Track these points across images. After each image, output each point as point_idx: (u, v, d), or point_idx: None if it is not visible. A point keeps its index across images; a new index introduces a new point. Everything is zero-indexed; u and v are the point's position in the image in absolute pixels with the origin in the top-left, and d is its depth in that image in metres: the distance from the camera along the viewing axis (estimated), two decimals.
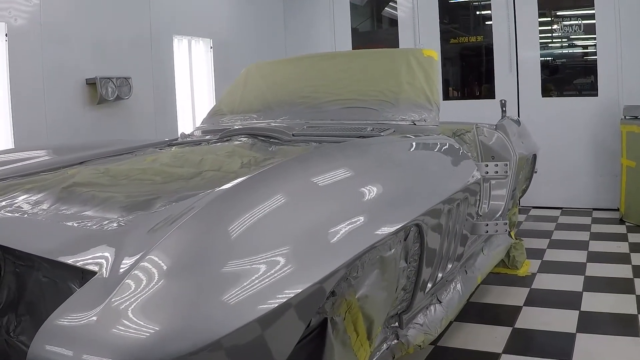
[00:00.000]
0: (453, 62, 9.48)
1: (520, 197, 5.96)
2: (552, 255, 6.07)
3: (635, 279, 5.16)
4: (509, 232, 5.07)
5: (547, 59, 8.61)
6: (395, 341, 2.92)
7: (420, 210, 2.53)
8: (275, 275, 1.67)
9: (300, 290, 1.69)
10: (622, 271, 5.42)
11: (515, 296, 4.87)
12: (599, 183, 8.27)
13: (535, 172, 6.18)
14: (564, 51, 8.74)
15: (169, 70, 7.29)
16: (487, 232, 3.68)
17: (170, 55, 7.32)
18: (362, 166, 2.50)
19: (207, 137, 3.93)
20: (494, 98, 8.31)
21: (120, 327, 1.49)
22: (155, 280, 1.58)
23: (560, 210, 8.30)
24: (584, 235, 6.83)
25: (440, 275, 3.14)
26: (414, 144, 3.22)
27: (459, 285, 3.67)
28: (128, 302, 1.54)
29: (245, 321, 1.56)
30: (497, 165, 3.69)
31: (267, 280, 1.65)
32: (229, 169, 2.84)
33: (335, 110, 3.83)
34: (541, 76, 8.44)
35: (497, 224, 3.68)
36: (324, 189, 2.15)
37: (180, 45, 7.60)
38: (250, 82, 4.45)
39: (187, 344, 1.48)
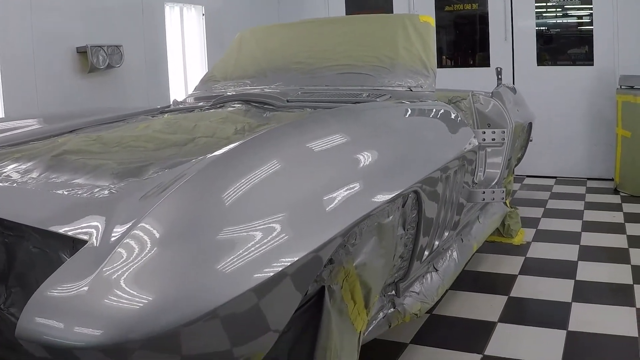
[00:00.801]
0: (447, 30, 9.35)
1: (515, 166, 5.91)
2: (546, 224, 6.05)
3: (630, 249, 5.14)
4: (504, 200, 5.04)
5: (542, 28, 8.53)
6: (392, 309, 2.88)
7: (418, 177, 2.48)
8: (272, 243, 1.62)
9: (297, 259, 1.65)
10: (617, 241, 5.40)
11: (510, 265, 4.85)
12: (594, 153, 8.24)
13: (531, 141, 6.13)
14: (558, 21, 8.65)
15: (161, 38, 7.19)
16: (484, 199, 3.64)
17: (161, 23, 7.22)
18: (358, 132, 2.43)
19: (200, 104, 3.87)
20: (489, 66, 8.26)
21: (113, 298, 1.44)
22: (148, 249, 1.53)
23: (555, 180, 8.27)
24: (578, 205, 6.81)
25: (437, 243, 3.10)
26: (410, 110, 3.16)
27: (455, 254, 3.64)
28: (120, 272, 1.49)
29: (242, 290, 1.52)
30: (494, 132, 3.64)
31: (263, 248, 1.60)
32: (223, 135, 2.78)
33: (331, 76, 3.76)
34: (536, 45, 8.37)
35: (494, 192, 3.63)
36: (320, 154, 2.09)
37: (172, 13, 7.50)
38: (244, 48, 4.38)
39: (182, 314, 1.43)
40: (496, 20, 8.47)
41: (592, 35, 8.11)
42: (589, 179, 8.21)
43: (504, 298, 4.17)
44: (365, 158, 2.23)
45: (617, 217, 6.22)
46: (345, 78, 3.70)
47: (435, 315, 3.88)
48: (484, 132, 3.66)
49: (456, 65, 9.25)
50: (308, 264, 1.70)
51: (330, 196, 1.89)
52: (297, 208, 1.78)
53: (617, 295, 4.20)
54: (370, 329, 2.71)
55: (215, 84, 4.18)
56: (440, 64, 8.66)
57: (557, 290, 4.28)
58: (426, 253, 2.96)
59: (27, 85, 5.44)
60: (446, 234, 3.22)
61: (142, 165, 2.18)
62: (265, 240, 1.61)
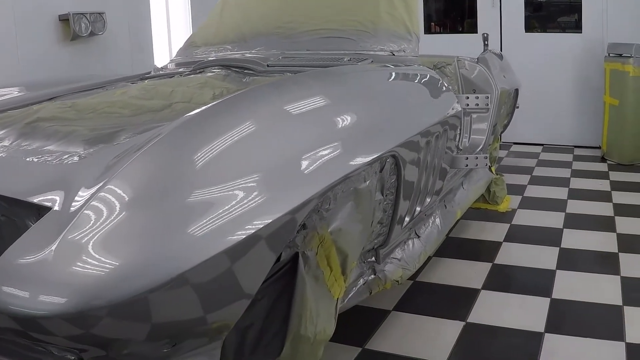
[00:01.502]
0: None
1: (501, 132, 5.87)
2: (532, 191, 6.03)
3: (616, 217, 5.12)
4: (489, 167, 5.00)
5: None
6: (373, 276, 2.85)
7: (397, 142, 2.43)
8: (242, 206, 1.58)
9: (269, 222, 1.60)
10: (603, 209, 5.39)
11: (495, 232, 4.83)
12: (581, 120, 8.20)
13: (517, 108, 6.08)
14: None
15: (144, 3, 7.08)
16: (467, 165, 3.60)
17: None
18: (336, 94, 2.38)
19: (181, 70, 3.80)
20: (477, 33, 8.19)
21: (77, 264, 1.40)
22: (113, 213, 1.49)
23: (542, 147, 8.25)
24: (565, 172, 6.79)
25: (418, 209, 3.06)
26: (391, 73, 3.10)
27: (437, 220, 3.60)
28: (84, 237, 1.44)
29: (211, 254, 1.48)
30: (477, 97, 3.60)
31: (233, 211, 1.56)
32: (200, 100, 2.72)
33: (312, 40, 3.69)
34: (525, 13, 8.31)
35: (477, 158, 3.59)
36: (295, 116, 2.04)
37: None
38: (226, 13, 4.30)
39: (149, 279, 1.39)
40: None
41: (579, 4, 8.03)
42: (576, 146, 8.20)
43: (488, 265, 4.14)
44: (342, 121, 2.18)
45: (603, 185, 6.21)
46: (326, 42, 3.64)
47: (418, 282, 3.85)
48: (468, 98, 3.61)
49: (445, 31, 9.17)
50: (280, 228, 1.65)
51: (304, 159, 1.85)
52: (270, 170, 1.73)
53: (602, 263, 4.18)
54: (350, 295, 2.67)
55: (196, 49, 4.11)
56: (429, 31, 8.84)
57: (542, 257, 4.26)
58: (407, 219, 2.93)
59: (9, 54, 5.33)
60: (428, 199, 3.18)
61: (114, 131, 2.13)
62: (235, 203, 1.57)
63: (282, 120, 1.97)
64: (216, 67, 3.50)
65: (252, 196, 1.62)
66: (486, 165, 3.68)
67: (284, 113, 2.01)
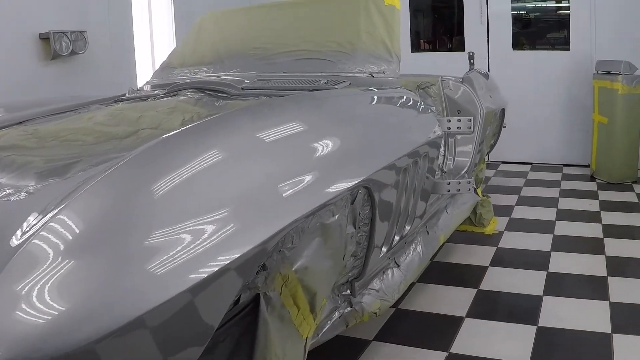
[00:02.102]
0: (425, 13, 9.30)
1: (488, 153, 5.78)
2: (520, 212, 5.92)
3: (605, 239, 5.02)
4: (475, 189, 4.90)
5: (520, 12, 8.43)
6: (349, 309, 2.73)
7: (370, 171, 2.31)
8: (195, 247, 1.45)
9: (223, 265, 1.48)
10: (592, 230, 5.28)
11: (481, 255, 4.72)
12: (570, 139, 8.13)
13: (504, 127, 6.00)
14: (537, 5, 8.56)
15: (127, 22, 6.95)
16: (449, 191, 3.49)
17: (127, 6, 6.98)
18: (307, 121, 2.24)
19: (156, 92, 3.68)
20: (464, 50, 8.11)
21: (15, 312, 1.26)
22: (53, 254, 1.35)
23: (530, 166, 8.17)
24: (553, 192, 6.69)
25: (397, 237, 2.94)
26: (368, 97, 2.99)
27: (419, 247, 3.48)
28: (22, 282, 1.31)
29: (161, 300, 1.36)
30: (460, 120, 3.48)
31: (185, 253, 1.43)
32: (169, 126, 2.60)
33: (289, 61, 3.58)
34: (513, 30, 8.26)
35: (459, 183, 3.49)
36: (261, 147, 1.91)
37: None
38: (203, 33, 4.19)
39: (94, 328, 1.27)
40: (471, 2, 8.33)
41: (568, 20, 7.99)
42: (565, 165, 8.12)
43: (473, 291, 4.03)
44: (311, 151, 2.05)
45: (593, 205, 6.11)
46: (303, 64, 3.53)
47: (400, 310, 3.73)
48: (449, 121, 3.49)
49: (434, 49, 9.14)
50: (235, 271, 1.53)
51: (265, 195, 1.72)
52: (228, 208, 1.60)
53: (591, 288, 4.07)
54: (325, 329, 2.56)
55: (172, 70, 4.00)
56: (418, 48, 8.81)
57: (529, 282, 4.15)
58: (384, 249, 2.81)
59: None
60: (407, 227, 3.07)
61: (71, 162, 1.99)
62: (187, 245, 1.45)
63: (246, 151, 1.85)
64: (190, 90, 3.38)
65: (206, 237, 1.49)
66: (469, 190, 3.58)
67: (248, 143, 1.89)
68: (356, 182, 2.17)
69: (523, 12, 8.48)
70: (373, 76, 3.37)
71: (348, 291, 2.72)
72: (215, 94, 3.28)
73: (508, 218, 5.70)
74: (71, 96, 4.10)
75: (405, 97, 3.23)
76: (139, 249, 1.40)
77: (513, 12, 8.26)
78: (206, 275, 1.45)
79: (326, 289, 2.26)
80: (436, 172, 4.32)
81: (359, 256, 2.60)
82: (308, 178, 1.92)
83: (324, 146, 2.13)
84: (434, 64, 7.96)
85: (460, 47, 8.52)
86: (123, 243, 1.41)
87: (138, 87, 4.09)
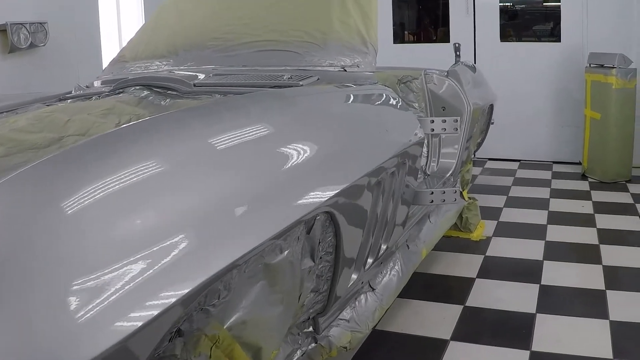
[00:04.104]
0: (409, 4, 8.95)
1: (475, 151, 5.38)
2: (509, 215, 5.53)
3: (601, 246, 4.64)
4: (460, 192, 4.50)
5: (507, 4, 8.08)
6: (314, 344, 2.32)
7: (331, 192, 1.88)
8: (89, 310, 1.06)
9: (116, 341, 1.08)
10: (586, 236, 4.90)
11: (467, 265, 4.32)
12: (560, 135, 7.79)
13: (492, 124, 5.61)
14: None
15: (92, 12, 6.53)
16: (432, 201, 3.09)
17: None
18: (251, 129, 1.81)
19: (101, 90, 3.24)
20: (449, 42, 7.72)
21: None
22: None
23: (519, 163, 7.80)
24: (544, 192, 6.31)
25: (370, 260, 2.54)
26: (337, 96, 2.56)
27: (398, 265, 3.07)
28: None
29: None
30: (445, 121, 3.08)
31: (79, 316, 1.04)
32: (98, 131, 2.19)
33: (250, 54, 3.16)
34: (500, 21, 7.90)
35: (444, 192, 3.09)
36: (190, 168, 1.48)
37: None
38: (162, 22, 3.76)
39: None
40: None
41: (559, 10, 7.64)
42: (555, 162, 7.77)
43: (459, 308, 3.64)
44: (246, 175, 1.61)
45: (586, 207, 5.74)
46: (267, 56, 3.12)
47: (377, 332, 3.33)
48: (433, 122, 3.09)
49: (418, 40, 8.80)
50: (133, 344, 1.12)
51: (182, 242, 1.29)
52: (133, 257, 1.19)
53: (588, 303, 3.70)
54: None
55: (124, 64, 3.57)
56: (402, 40, 8.54)
57: (520, 297, 3.77)
58: (353, 276, 2.39)
59: None
60: (384, 247, 2.66)
61: None
62: (85, 303, 1.06)
63: (167, 173, 1.42)
64: (137, 87, 2.95)
65: (101, 296, 1.09)
66: (454, 200, 3.18)
67: (170, 161, 1.46)
68: (312, 209, 1.75)
69: (510, 3, 8.11)
70: (345, 70, 2.96)
71: (311, 328, 2.30)
72: (164, 91, 2.85)
73: (496, 222, 5.32)
74: (16, 94, 3.70)
75: (381, 95, 2.82)
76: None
77: (500, 4, 7.91)
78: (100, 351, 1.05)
79: (276, 339, 1.84)
80: (419, 177, 3.94)
81: (322, 290, 2.17)
82: (244, 210, 1.49)
83: (271, 164, 1.71)
84: (418, 56, 7.67)
85: (445, 38, 8.15)
86: None
87: (80, 83, 3.64)
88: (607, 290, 3.84)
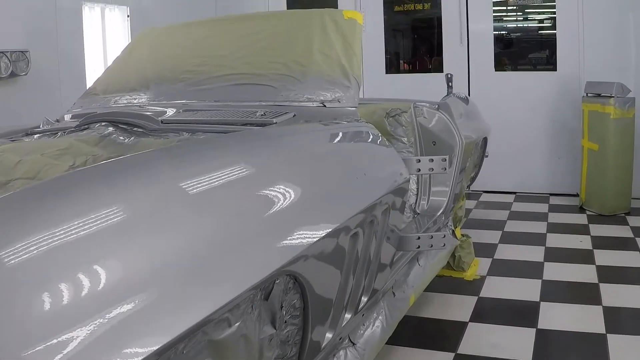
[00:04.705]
0: (404, 33, 8.88)
1: (468, 186, 5.17)
2: (504, 252, 5.32)
3: (601, 285, 4.42)
4: (453, 231, 4.28)
5: (501, 32, 7.98)
6: None
7: (294, 251, 1.64)
8: None
9: None
10: (585, 273, 4.68)
11: (460, 308, 4.10)
12: (557, 166, 7.60)
13: (486, 157, 5.41)
14: (518, 25, 8.12)
15: (77, 42, 6.37)
16: (419, 247, 2.87)
17: (78, 26, 6.40)
18: (198, 184, 1.55)
19: (69, 125, 3.02)
20: (443, 71, 7.56)
21: None
22: None
23: (514, 196, 7.61)
24: (540, 227, 6.10)
25: (348, 316, 2.32)
26: (310, 138, 2.32)
27: (382, 315, 2.83)
28: None
29: None
30: (432, 160, 2.87)
31: None
32: (50, 175, 1.99)
33: (223, 88, 2.95)
34: (495, 50, 7.76)
35: (432, 237, 2.87)
36: (135, 228, 1.28)
37: (92, 14, 6.67)
38: (136, 54, 3.57)
39: None
40: (450, 22, 7.86)
41: (554, 39, 7.52)
42: (551, 194, 7.57)
43: (450, 356, 3.42)
44: (194, 234, 1.38)
45: (584, 242, 5.52)
46: (240, 91, 2.91)
47: None
48: (419, 161, 2.87)
49: (414, 70, 8.68)
50: None
51: (110, 321, 1.08)
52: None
53: (589, 349, 3.49)
54: None
55: (94, 97, 3.37)
56: (398, 69, 8.50)
57: (516, 344, 3.55)
58: (328, 336, 2.16)
59: None
60: (364, 299, 2.44)
61: None
62: None
63: (109, 234, 1.22)
64: (103, 124, 2.74)
65: None
66: (443, 245, 2.96)
67: (115, 221, 1.25)
68: (268, 274, 1.51)
69: (505, 32, 7.99)
70: (325, 105, 2.75)
71: None
72: (130, 128, 2.64)
73: (491, 259, 5.10)
74: None
75: (362, 133, 2.62)
76: None
77: (495, 33, 7.77)
78: None
79: None
80: (406, 216, 3.72)
81: (289, 355, 1.93)
82: (182, 280, 1.27)
83: (218, 222, 1.48)
84: (411, 87, 7.57)
85: (440, 68, 7.99)
86: None
87: (48, 117, 3.42)
88: (607, 334, 3.62)
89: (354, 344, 2.51)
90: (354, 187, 2.19)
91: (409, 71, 8.64)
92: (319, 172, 2.06)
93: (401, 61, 8.77)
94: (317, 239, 1.74)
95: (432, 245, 2.88)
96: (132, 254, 1.21)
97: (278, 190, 1.73)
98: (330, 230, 1.83)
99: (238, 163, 1.74)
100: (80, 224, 1.19)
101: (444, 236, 2.91)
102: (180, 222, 1.36)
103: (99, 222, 1.22)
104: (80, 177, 1.45)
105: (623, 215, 6.41)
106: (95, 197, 1.30)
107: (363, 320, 2.64)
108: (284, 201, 1.69)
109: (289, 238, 1.64)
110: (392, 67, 8.46)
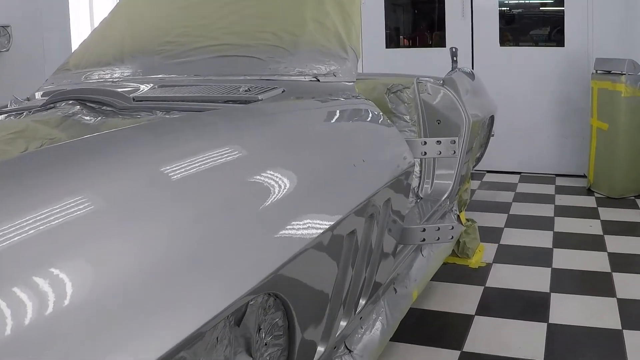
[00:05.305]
0: (404, 7, 8.61)
1: (474, 167, 4.88)
2: (510, 237, 5.03)
3: (614, 274, 4.14)
4: (458, 217, 3.99)
5: (504, 9, 7.65)
6: None
7: (274, 264, 1.30)
8: None
9: None
10: (597, 261, 4.40)
11: (465, 299, 3.81)
12: (564, 145, 7.32)
13: (492, 136, 5.11)
14: (521, 1, 7.85)
15: (63, 15, 6.11)
16: (424, 240, 2.57)
17: None
18: (164, 174, 1.25)
19: (36, 104, 2.69)
20: (445, 46, 7.25)
21: None
22: None
23: (519, 176, 7.32)
24: (547, 210, 5.82)
25: (343, 323, 2.02)
26: (299, 118, 1.99)
27: (382, 316, 2.53)
28: None
29: None
30: (439, 142, 2.56)
31: None
32: None
33: (205, 60, 2.63)
34: (500, 24, 7.47)
35: (439, 229, 2.57)
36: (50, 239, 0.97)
37: None
38: (115, 23, 3.25)
39: None
40: None
41: (562, 14, 7.20)
42: (557, 175, 7.28)
43: (455, 354, 3.14)
44: (143, 255, 1.06)
45: (594, 227, 5.24)
46: (223, 64, 2.59)
47: None
48: (425, 143, 2.57)
49: (414, 45, 8.40)
50: None
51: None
52: None
53: (605, 347, 3.21)
54: None
55: (67, 73, 3.05)
56: (397, 45, 8.26)
57: (526, 339, 3.27)
58: (320, 349, 1.85)
59: None
60: (362, 302, 2.15)
61: None
62: None
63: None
64: (70, 102, 2.42)
65: None
66: (451, 237, 2.66)
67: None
68: (243, 293, 1.18)
69: (508, 7, 7.73)
70: (319, 80, 2.44)
71: None
72: (99, 107, 2.33)
73: (497, 245, 4.81)
74: None
75: (360, 112, 2.31)
76: None
77: (500, 8, 7.51)
78: None
79: None
80: (409, 201, 3.43)
81: None
82: (134, 309, 0.96)
83: (180, 231, 1.15)
84: (412, 62, 7.27)
85: (441, 43, 7.71)
86: None
87: (15, 95, 3.10)
88: (624, 331, 3.35)
89: (350, 351, 2.21)
90: (351, 176, 1.86)
91: (410, 46, 8.39)
92: (308, 159, 1.71)
93: (401, 36, 8.53)
94: (302, 249, 1.42)
95: (439, 238, 2.59)
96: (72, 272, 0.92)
97: (252, 187, 1.41)
98: (320, 232, 1.51)
99: (205, 150, 1.42)
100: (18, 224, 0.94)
101: (452, 227, 2.61)
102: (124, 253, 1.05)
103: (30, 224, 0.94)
104: (25, 162, 1.19)
105: (633, 198, 6.14)
106: (25, 190, 1.03)
107: (361, 324, 2.34)
108: (259, 201, 1.38)
109: (265, 250, 1.31)
110: (393, 42, 8.20)
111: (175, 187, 1.22)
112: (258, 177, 1.44)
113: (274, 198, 1.41)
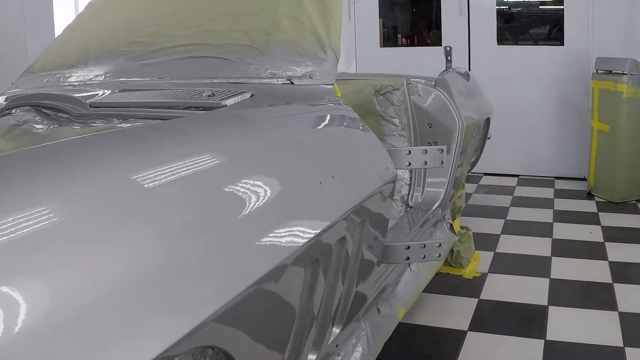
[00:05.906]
0: (402, 6, 8.56)
1: (469, 172, 4.68)
2: (507, 244, 4.83)
3: (615, 285, 3.94)
4: (451, 224, 3.79)
5: (502, 7, 7.55)
6: None
7: (212, 307, 1.06)
8: None
9: None
10: (597, 272, 4.21)
11: (458, 313, 3.62)
12: (563, 147, 7.17)
13: (488, 139, 4.92)
14: None
15: (46, 15, 5.96)
16: (409, 258, 2.36)
17: None
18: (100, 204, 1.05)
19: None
20: (441, 45, 7.08)
21: None
22: None
23: (517, 179, 7.15)
24: (546, 215, 5.63)
25: (312, 358, 1.81)
26: (264, 131, 1.74)
27: (363, 339, 2.30)
28: None
29: None
30: (425, 151, 2.35)
31: None
32: None
33: (170, 62, 2.40)
34: (497, 23, 7.32)
35: (424, 246, 2.36)
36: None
37: None
38: (84, 23, 3.03)
39: None
40: None
41: (562, 12, 7.06)
42: (557, 177, 7.11)
43: None
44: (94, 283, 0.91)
45: (595, 234, 5.05)
46: (190, 65, 2.37)
47: None
48: (409, 153, 2.35)
49: (412, 44, 8.37)
50: None
51: None
52: None
53: None
54: None
55: (31, 77, 2.85)
56: (395, 43, 8.23)
57: (522, 358, 3.08)
58: None
59: None
60: (336, 331, 1.94)
61: None
62: None
63: None
64: (25, 108, 2.22)
65: None
66: (438, 256, 2.45)
67: None
68: (160, 351, 0.95)
69: (507, 5, 7.67)
70: (292, 82, 2.22)
71: None
72: (55, 114, 2.13)
73: (493, 253, 4.62)
74: None
75: (334, 118, 2.10)
76: None
77: (498, 7, 7.38)
78: None
79: None
80: (397, 210, 3.24)
81: None
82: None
83: (106, 268, 0.96)
84: (407, 62, 7.08)
85: (439, 42, 7.57)
86: None
87: None
88: (626, 348, 3.16)
89: None
90: (316, 196, 1.63)
91: (408, 45, 8.33)
92: (266, 179, 1.46)
93: (399, 35, 8.47)
94: (255, 280, 1.20)
95: (424, 256, 2.37)
96: None
97: (204, 215, 1.18)
98: (275, 266, 1.28)
99: (142, 170, 1.20)
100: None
101: (439, 245, 2.40)
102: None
103: None
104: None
105: (635, 202, 5.96)
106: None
107: (338, 351, 2.13)
108: (204, 231, 1.15)
109: (198, 294, 1.08)
110: (389, 40, 8.11)
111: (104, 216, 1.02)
112: (194, 207, 1.20)
113: (215, 230, 1.19)
